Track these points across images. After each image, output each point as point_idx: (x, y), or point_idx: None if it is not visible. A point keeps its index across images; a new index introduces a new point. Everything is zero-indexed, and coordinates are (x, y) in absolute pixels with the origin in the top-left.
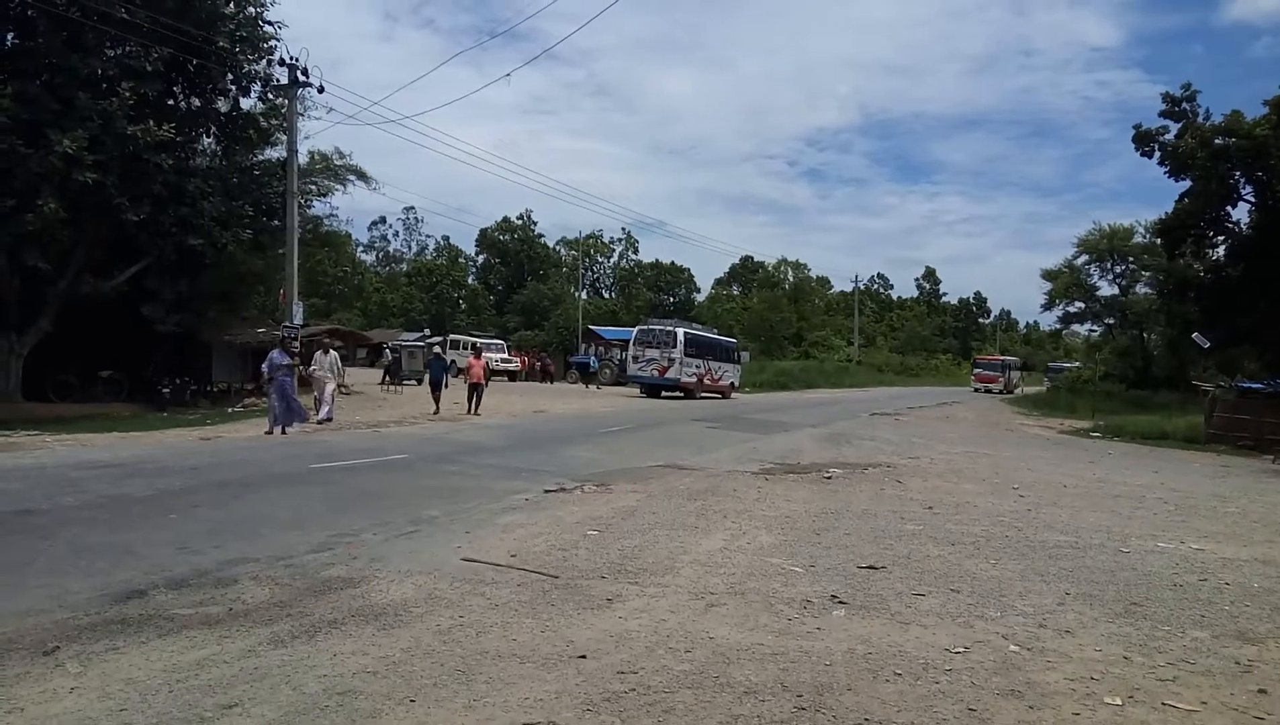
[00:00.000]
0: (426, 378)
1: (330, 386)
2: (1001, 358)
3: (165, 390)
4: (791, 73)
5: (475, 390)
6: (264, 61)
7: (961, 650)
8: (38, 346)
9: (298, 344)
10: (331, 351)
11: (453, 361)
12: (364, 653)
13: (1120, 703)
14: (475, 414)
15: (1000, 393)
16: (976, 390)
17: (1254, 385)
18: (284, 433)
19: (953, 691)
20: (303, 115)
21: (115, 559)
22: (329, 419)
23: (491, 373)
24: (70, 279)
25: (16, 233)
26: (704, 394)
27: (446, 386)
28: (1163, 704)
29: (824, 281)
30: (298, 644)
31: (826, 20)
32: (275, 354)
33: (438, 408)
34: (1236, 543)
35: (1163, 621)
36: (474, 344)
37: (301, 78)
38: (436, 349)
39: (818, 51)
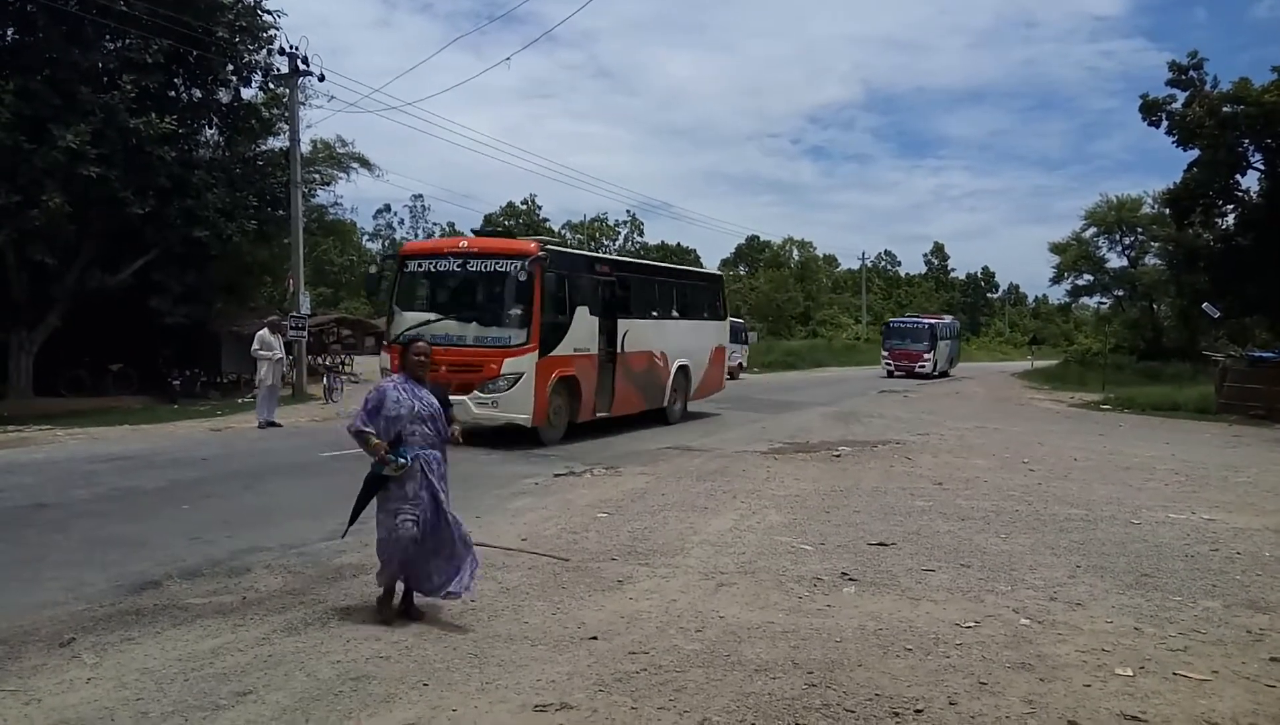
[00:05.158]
0: None
1: (266, 371)
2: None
3: (175, 382)
4: (793, 50)
5: None
6: (264, 51)
7: (972, 625)
8: (48, 342)
9: (292, 329)
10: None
11: None
12: (377, 638)
13: (1131, 674)
14: None
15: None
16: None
17: (1265, 354)
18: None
19: (963, 665)
20: (304, 104)
21: (129, 550)
22: (271, 423)
23: None
24: (77, 274)
25: (22, 229)
26: None
27: None
28: (1174, 674)
29: (831, 260)
30: (311, 631)
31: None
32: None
33: None
34: (1248, 512)
35: (1174, 592)
36: None
37: (302, 66)
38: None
39: (819, 28)
